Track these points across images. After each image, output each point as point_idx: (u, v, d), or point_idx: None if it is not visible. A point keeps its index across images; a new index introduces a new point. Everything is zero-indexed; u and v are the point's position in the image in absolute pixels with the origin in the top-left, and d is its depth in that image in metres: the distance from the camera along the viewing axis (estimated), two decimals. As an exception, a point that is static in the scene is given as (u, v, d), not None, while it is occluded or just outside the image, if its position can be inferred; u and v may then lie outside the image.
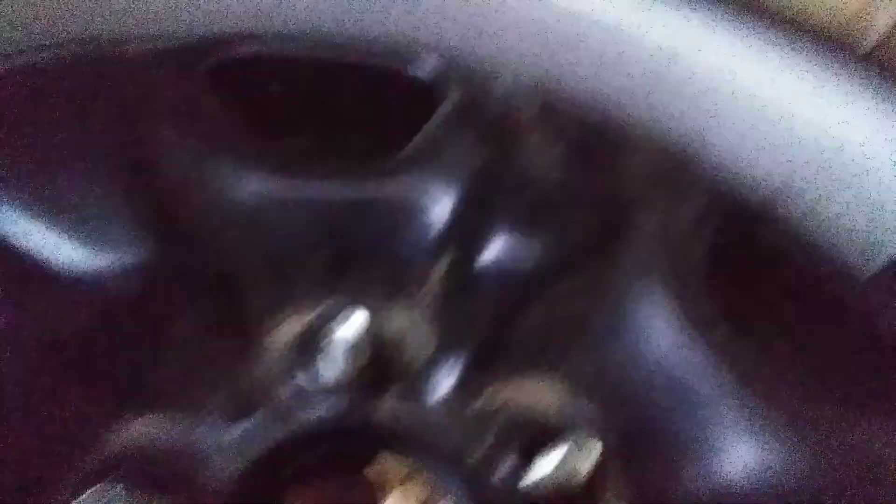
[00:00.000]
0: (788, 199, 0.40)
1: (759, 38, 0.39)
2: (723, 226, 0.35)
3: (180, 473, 0.26)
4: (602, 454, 0.26)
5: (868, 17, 0.39)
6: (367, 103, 0.41)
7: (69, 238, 0.29)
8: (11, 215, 0.29)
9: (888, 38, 0.39)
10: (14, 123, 0.31)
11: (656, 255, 0.32)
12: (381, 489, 0.29)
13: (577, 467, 0.26)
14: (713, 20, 0.40)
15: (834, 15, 0.40)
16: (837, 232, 0.39)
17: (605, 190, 0.35)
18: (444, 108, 0.37)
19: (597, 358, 0.31)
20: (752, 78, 0.39)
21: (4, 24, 0.34)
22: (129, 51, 0.35)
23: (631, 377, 0.30)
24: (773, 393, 0.28)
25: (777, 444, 0.27)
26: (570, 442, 0.26)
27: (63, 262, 0.29)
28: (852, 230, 0.38)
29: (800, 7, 0.40)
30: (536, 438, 0.28)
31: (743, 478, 0.27)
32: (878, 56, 0.40)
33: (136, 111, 0.33)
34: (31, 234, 0.29)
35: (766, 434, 0.27)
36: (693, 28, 0.40)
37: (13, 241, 0.29)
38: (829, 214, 0.38)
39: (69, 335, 0.27)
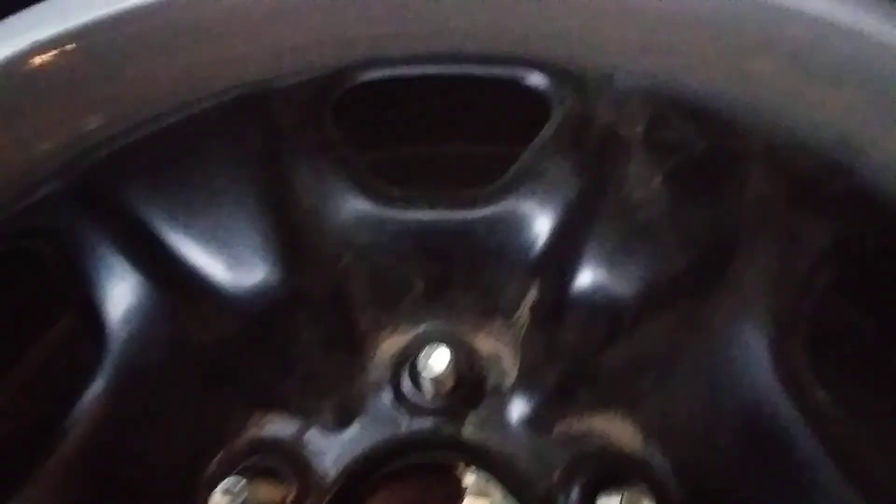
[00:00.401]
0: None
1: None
2: (858, 260, 0.31)
3: (293, 468, 0.31)
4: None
5: None
6: (481, 118, 0.42)
7: (222, 261, 0.35)
8: (185, 242, 0.36)
9: None
10: (183, 168, 0.37)
11: (761, 296, 0.30)
12: (457, 497, 0.32)
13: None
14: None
15: None
16: None
17: (714, 220, 0.32)
18: (548, 129, 0.37)
19: (677, 402, 0.30)
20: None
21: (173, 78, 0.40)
22: (273, 89, 0.40)
23: (709, 427, 0.29)
24: (871, 480, 0.25)
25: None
26: (625, 494, 0.26)
27: (216, 281, 0.35)
28: None
29: None
30: (601, 478, 0.28)
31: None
32: None
33: (277, 147, 0.38)
34: (195, 256, 0.36)
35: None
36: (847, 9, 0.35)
37: (186, 260, 0.36)
38: None
39: (216, 344, 0.33)
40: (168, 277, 0.34)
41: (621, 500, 0.26)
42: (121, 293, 0.33)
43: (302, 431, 0.32)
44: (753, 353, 0.29)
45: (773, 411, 0.27)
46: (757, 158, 0.34)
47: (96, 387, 0.31)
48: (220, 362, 0.33)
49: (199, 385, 0.32)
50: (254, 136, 0.38)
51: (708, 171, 0.33)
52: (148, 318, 0.33)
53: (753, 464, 0.27)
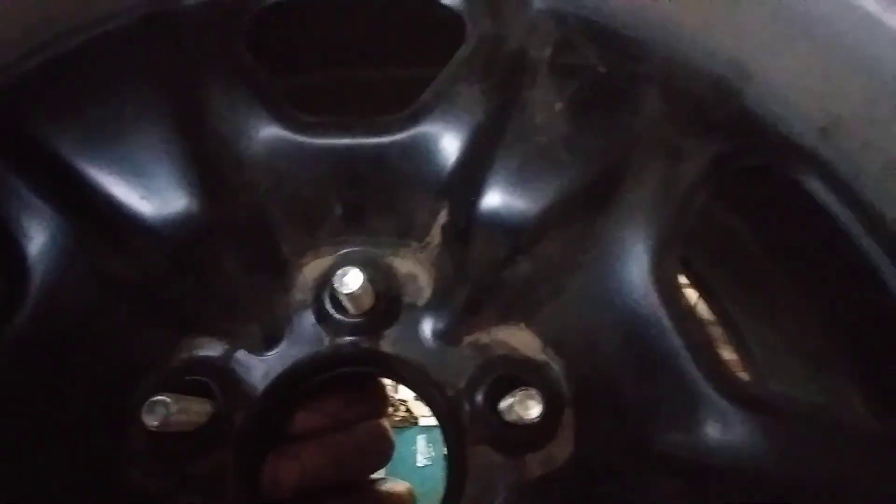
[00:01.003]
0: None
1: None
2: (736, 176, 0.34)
3: (222, 385, 0.33)
4: (547, 408, 0.30)
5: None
6: (397, 36, 0.42)
7: (138, 192, 0.35)
8: (98, 173, 0.35)
9: None
10: (90, 94, 0.36)
11: (645, 214, 0.33)
12: (379, 405, 0.35)
13: (524, 415, 0.30)
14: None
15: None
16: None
17: (609, 143, 0.34)
18: (462, 53, 0.37)
19: (572, 313, 0.33)
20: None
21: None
22: (183, 8, 0.38)
23: (597, 331, 0.32)
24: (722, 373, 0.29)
25: (738, 423, 0.29)
26: (520, 394, 0.30)
27: (134, 213, 0.35)
28: None
29: None
30: (503, 383, 0.32)
31: (696, 445, 0.30)
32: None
33: (189, 68, 0.37)
34: (111, 187, 0.36)
35: (725, 412, 0.29)
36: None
37: (101, 193, 0.36)
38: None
39: (139, 275, 0.34)
40: (83, 211, 0.34)
41: (513, 400, 0.30)
42: (36, 228, 0.33)
43: (230, 352, 0.34)
44: (636, 265, 0.32)
45: (649, 314, 0.31)
46: (654, 81, 0.35)
47: (16, 325, 0.32)
48: (145, 293, 0.34)
49: (125, 316, 0.33)
50: (162, 60, 0.37)
51: (606, 95, 0.35)
52: (67, 253, 0.33)
53: (631, 361, 0.31)
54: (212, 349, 0.35)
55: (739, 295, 0.45)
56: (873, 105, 0.34)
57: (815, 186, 0.35)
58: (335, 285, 0.33)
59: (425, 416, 3.07)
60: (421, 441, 3.33)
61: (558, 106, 0.34)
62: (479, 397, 0.32)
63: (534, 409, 0.30)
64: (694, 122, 0.35)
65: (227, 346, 0.34)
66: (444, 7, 0.38)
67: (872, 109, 0.35)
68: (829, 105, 0.35)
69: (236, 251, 0.35)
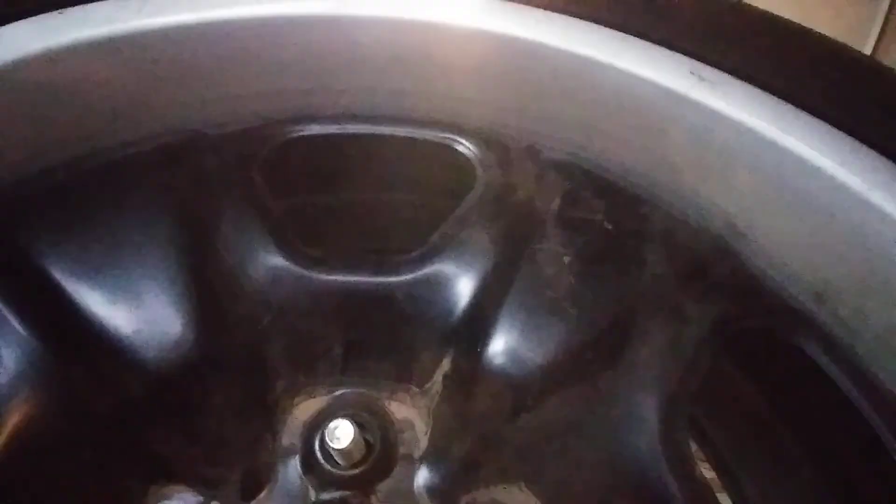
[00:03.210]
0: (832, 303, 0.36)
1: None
2: (740, 338, 0.33)
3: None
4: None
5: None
6: (411, 178, 0.42)
7: (129, 317, 0.33)
8: (89, 295, 0.33)
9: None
10: (98, 216, 0.34)
11: (652, 374, 0.31)
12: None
13: None
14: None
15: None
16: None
17: (615, 299, 0.33)
18: (472, 197, 0.37)
19: (575, 473, 0.30)
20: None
21: (89, 120, 0.37)
22: (199, 138, 0.37)
23: (602, 498, 0.29)
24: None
25: None
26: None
27: (120, 339, 0.32)
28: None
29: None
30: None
31: None
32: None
33: (204, 195, 0.36)
34: (99, 310, 0.33)
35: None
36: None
37: (87, 316, 0.33)
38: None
39: (116, 409, 0.31)
40: (63, 334, 0.31)
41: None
42: (6, 350, 0.30)
43: (204, 504, 0.30)
44: (644, 426, 0.30)
45: (659, 481, 0.28)
46: (657, 239, 0.35)
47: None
48: (120, 429, 0.30)
49: (94, 453, 0.30)
50: (179, 187, 0.36)
51: (613, 250, 0.34)
52: (36, 380, 0.30)
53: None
54: (182, 502, 0.30)
55: (745, 455, 0.43)
56: (863, 276, 0.35)
57: (815, 351, 0.35)
58: (325, 438, 0.30)
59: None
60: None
61: (566, 259, 0.34)
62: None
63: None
64: (696, 280, 0.34)
65: (200, 499, 0.30)
66: (459, 152, 0.39)
67: (862, 280, 0.35)
68: (822, 272, 0.36)
69: (226, 387, 0.32)
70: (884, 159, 0.30)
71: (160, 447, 0.31)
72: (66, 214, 0.34)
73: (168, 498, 0.30)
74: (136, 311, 0.32)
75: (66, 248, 0.33)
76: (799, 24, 0.35)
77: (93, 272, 0.33)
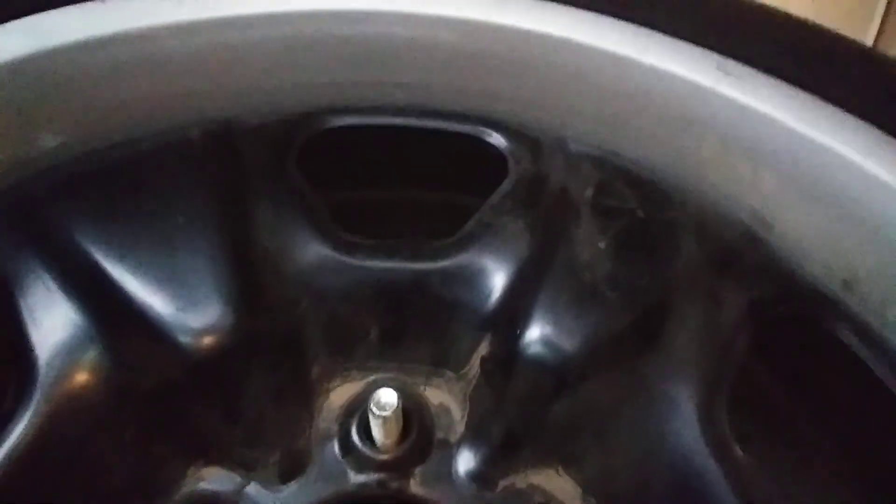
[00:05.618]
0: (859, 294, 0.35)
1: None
2: (771, 326, 0.32)
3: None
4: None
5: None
6: (443, 171, 0.41)
7: (171, 300, 0.32)
8: (132, 277, 0.32)
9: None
10: (140, 200, 0.33)
11: (690, 357, 0.30)
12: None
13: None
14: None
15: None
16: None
17: (651, 284, 0.32)
18: (505, 187, 0.36)
19: (613, 458, 0.29)
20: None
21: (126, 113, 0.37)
22: (241, 127, 0.37)
23: (643, 481, 0.28)
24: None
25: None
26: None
27: (163, 320, 0.31)
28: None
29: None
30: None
31: None
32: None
33: (243, 182, 0.35)
34: (142, 292, 0.32)
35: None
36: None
37: (130, 297, 0.32)
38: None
39: (157, 388, 0.30)
40: (108, 313, 0.30)
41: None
42: (53, 327, 0.29)
43: (243, 485, 0.29)
44: (683, 410, 0.29)
45: (700, 466, 0.27)
46: (688, 228, 0.34)
47: (20, 431, 0.27)
48: (160, 408, 0.29)
49: (136, 432, 0.28)
50: (219, 173, 0.35)
51: (647, 237, 0.34)
52: (82, 357, 0.29)
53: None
54: (221, 482, 0.29)
55: (770, 449, 0.42)
56: (887, 264, 0.34)
57: (849, 337, 0.34)
58: (370, 405, 0.29)
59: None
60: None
61: (602, 244, 0.33)
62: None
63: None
64: (729, 266, 0.33)
65: (238, 479, 0.29)
66: (491, 145, 0.38)
67: (887, 268, 0.34)
68: (848, 260, 0.35)
69: (265, 370, 0.31)
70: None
71: (200, 428, 0.30)
72: (110, 199, 0.33)
73: (206, 479, 0.29)
74: (177, 292, 0.31)
75: (111, 230, 0.32)
76: (820, 24, 0.34)
77: (135, 253, 0.32)
